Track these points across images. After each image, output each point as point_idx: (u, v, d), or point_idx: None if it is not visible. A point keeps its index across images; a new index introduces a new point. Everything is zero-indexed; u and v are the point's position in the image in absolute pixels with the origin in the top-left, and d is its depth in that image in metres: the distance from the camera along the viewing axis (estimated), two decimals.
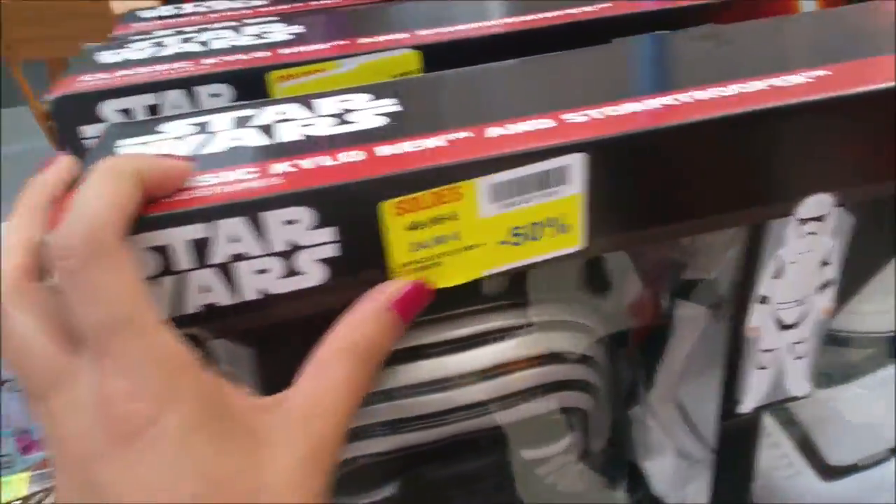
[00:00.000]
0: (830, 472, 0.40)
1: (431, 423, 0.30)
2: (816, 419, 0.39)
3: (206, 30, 0.36)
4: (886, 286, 0.37)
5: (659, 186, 0.27)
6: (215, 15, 0.41)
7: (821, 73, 0.29)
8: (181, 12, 0.41)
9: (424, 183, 0.23)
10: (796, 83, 0.28)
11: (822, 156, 0.28)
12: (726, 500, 0.35)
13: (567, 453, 0.33)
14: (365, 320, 0.24)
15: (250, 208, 0.22)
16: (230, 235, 0.22)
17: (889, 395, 0.39)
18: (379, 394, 0.29)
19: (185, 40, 0.34)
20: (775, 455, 0.40)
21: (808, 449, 0.40)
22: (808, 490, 0.40)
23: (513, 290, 0.31)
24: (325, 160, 0.24)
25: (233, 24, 0.36)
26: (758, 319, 0.30)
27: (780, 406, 0.34)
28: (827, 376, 0.39)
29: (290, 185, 0.22)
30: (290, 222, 0.22)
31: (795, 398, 0.33)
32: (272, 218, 0.22)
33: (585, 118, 0.26)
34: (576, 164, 0.25)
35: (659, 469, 0.40)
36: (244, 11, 0.41)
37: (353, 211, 0.23)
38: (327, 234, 0.23)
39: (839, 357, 0.38)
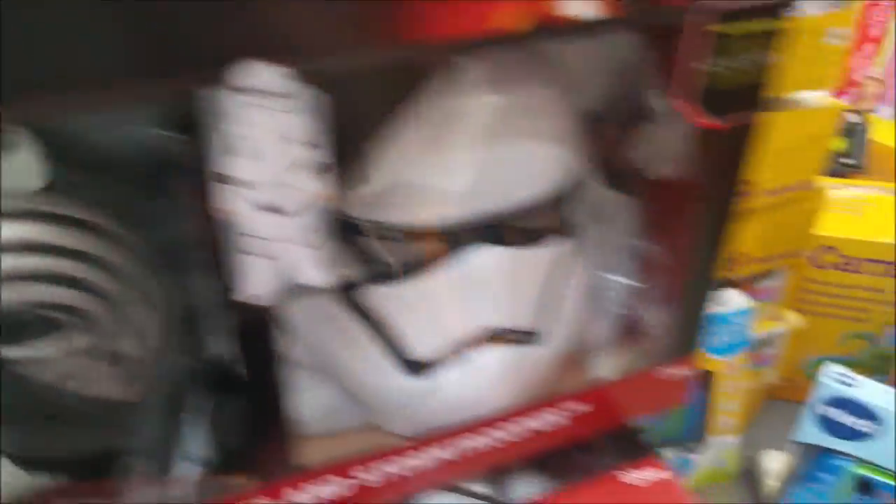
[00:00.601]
0: (415, 367, 0.40)
1: None
2: (397, 315, 0.40)
3: None
4: (432, 181, 0.37)
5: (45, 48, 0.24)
6: None
7: None
8: None
9: None
10: None
11: (262, 20, 0.27)
12: (260, 393, 0.35)
13: (78, 355, 0.32)
14: None
15: None
16: None
17: (466, 285, 0.39)
18: None
19: None
20: (359, 354, 0.41)
21: (391, 345, 0.40)
22: (396, 387, 0.41)
23: None
24: None
25: None
26: (233, 202, 0.29)
27: (304, 295, 0.34)
28: (399, 270, 0.39)
29: None
30: None
31: (311, 288, 0.33)
32: None
33: None
34: None
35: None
36: None
37: None
38: None
39: (406, 251, 0.39)
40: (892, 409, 0.61)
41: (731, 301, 0.70)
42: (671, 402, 0.45)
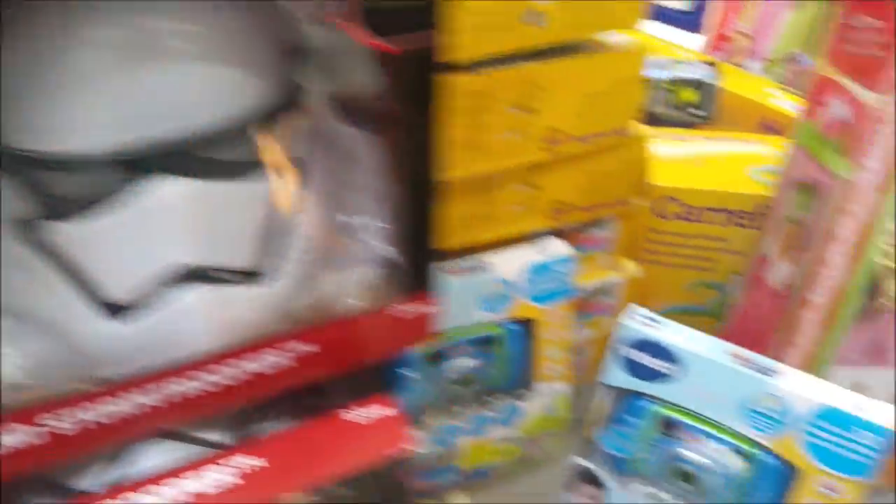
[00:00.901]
0: (113, 309, 0.38)
1: None
2: (85, 253, 0.37)
3: None
4: (94, 106, 0.35)
5: None
6: None
7: None
8: None
9: None
10: None
11: None
12: None
13: None
14: None
15: None
16: None
17: (153, 220, 0.37)
18: None
19: None
20: (54, 298, 0.39)
21: (85, 286, 0.38)
22: (95, 332, 0.39)
23: None
24: None
25: None
26: None
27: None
28: (76, 204, 0.37)
29: None
30: None
31: None
32: None
33: None
34: None
35: None
36: None
37: None
38: None
39: (80, 183, 0.36)
40: (692, 350, 0.62)
41: (552, 249, 0.70)
42: (407, 340, 0.44)
